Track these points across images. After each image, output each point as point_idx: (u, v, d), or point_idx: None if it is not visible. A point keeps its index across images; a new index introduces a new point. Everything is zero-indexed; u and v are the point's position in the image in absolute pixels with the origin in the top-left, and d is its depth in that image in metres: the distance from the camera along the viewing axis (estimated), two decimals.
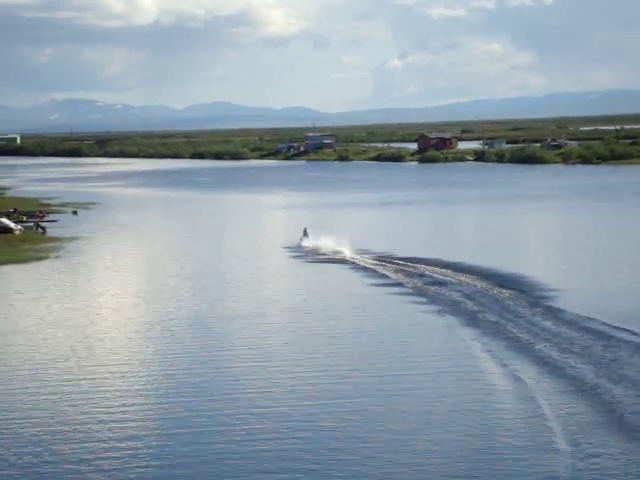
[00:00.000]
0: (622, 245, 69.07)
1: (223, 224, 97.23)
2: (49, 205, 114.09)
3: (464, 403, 31.18)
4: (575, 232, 79.91)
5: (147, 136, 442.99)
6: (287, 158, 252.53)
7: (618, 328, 40.30)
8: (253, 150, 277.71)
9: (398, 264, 59.91)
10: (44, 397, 33.19)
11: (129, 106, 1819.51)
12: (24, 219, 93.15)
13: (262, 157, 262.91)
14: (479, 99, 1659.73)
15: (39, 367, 37.44)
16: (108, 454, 27.22)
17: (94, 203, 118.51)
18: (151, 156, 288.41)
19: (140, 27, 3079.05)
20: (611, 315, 42.75)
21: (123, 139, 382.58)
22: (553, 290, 49.79)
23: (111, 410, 31.40)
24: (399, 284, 53.62)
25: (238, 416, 30.42)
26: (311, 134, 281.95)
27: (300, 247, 70.21)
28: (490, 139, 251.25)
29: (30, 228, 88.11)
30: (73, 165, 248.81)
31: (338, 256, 64.61)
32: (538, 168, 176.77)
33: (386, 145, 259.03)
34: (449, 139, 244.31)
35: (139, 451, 27.42)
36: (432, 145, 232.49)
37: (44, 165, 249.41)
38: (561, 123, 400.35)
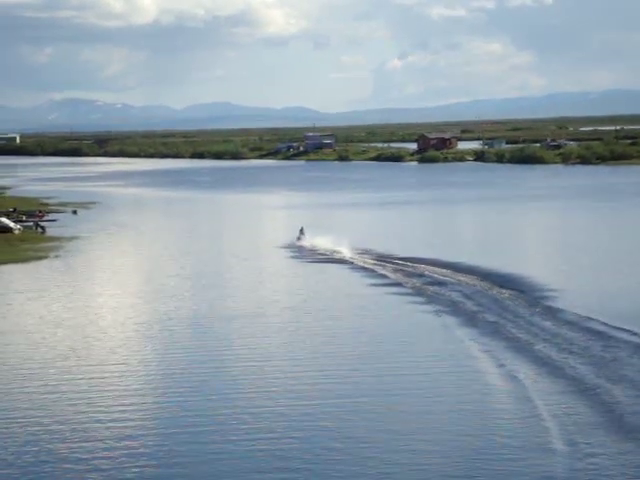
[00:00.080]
0: (622, 245, 69.03)
1: (223, 224, 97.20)
2: (49, 204, 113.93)
3: (463, 403, 31.16)
4: (575, 232, 79.92)
5: (147, 136, 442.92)
6: (287, 158, 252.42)
7: (618, 328, 40.25)
8: (253, 150, 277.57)
9: (397, 264, 59.86)
10: (43, 396, 33.16)
11: (129, 106, 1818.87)
12: (24, 218, 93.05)
13: (262, 157, 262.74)
14: (479, 99, 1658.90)
15: (38, 366, 37.42)
16: (106, 454, 27.20)
17: (94, 203, 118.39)
18: (151, 156, 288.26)
19: (140, 27, 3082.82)
20: (611, 315, 42.71)
21: (123, 139, 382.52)
22: (552, 290, 49.76)
23: (110, 410, 31.38)
24: (398, 284, 53.57)
25: (237, 416, 30.40)
26: (311, 134, 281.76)
27: (297, 246, 70.21)
28: (490, 139, 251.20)
29: (30, 227, 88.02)
30: (73, 165, 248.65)
31: (336, 256, 64.61)
32: (538, 168, 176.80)
33: (386, 145, 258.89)
34: (449, 139, 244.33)
35: (137, 451, 27.41)
36: (432, 145, 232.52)
37: (44, 164, 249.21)
38: (561, 123, 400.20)
